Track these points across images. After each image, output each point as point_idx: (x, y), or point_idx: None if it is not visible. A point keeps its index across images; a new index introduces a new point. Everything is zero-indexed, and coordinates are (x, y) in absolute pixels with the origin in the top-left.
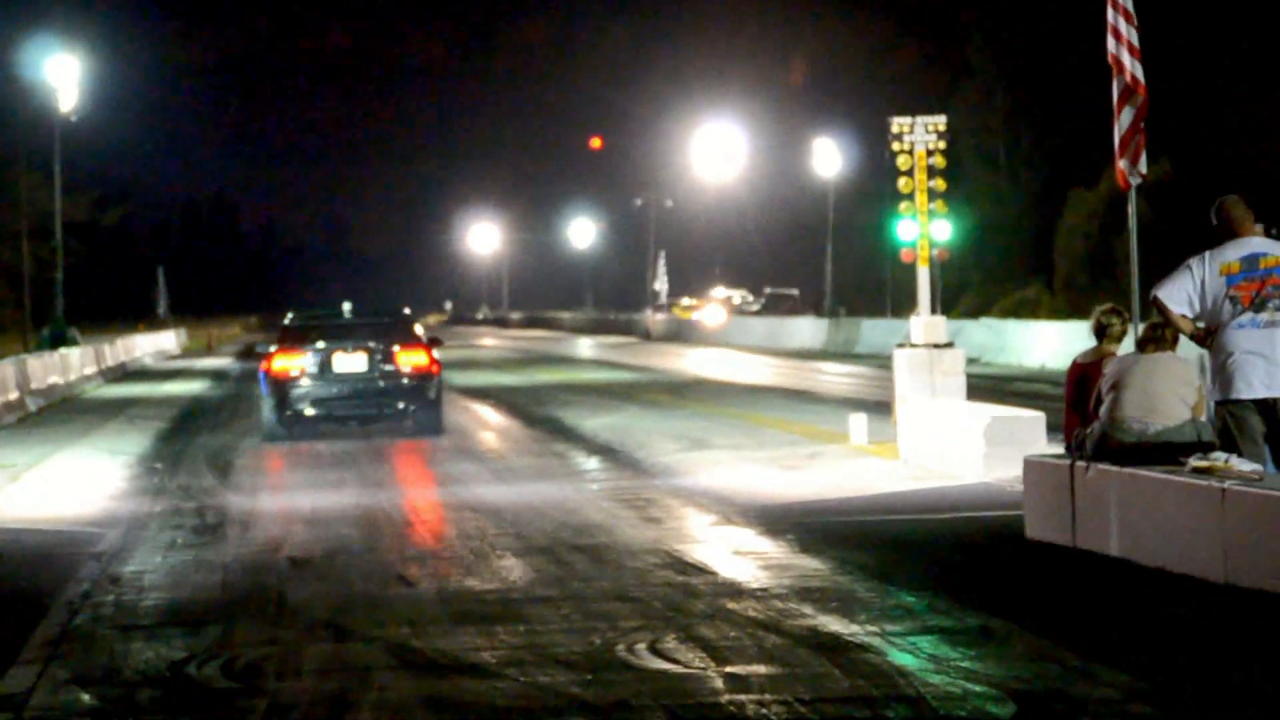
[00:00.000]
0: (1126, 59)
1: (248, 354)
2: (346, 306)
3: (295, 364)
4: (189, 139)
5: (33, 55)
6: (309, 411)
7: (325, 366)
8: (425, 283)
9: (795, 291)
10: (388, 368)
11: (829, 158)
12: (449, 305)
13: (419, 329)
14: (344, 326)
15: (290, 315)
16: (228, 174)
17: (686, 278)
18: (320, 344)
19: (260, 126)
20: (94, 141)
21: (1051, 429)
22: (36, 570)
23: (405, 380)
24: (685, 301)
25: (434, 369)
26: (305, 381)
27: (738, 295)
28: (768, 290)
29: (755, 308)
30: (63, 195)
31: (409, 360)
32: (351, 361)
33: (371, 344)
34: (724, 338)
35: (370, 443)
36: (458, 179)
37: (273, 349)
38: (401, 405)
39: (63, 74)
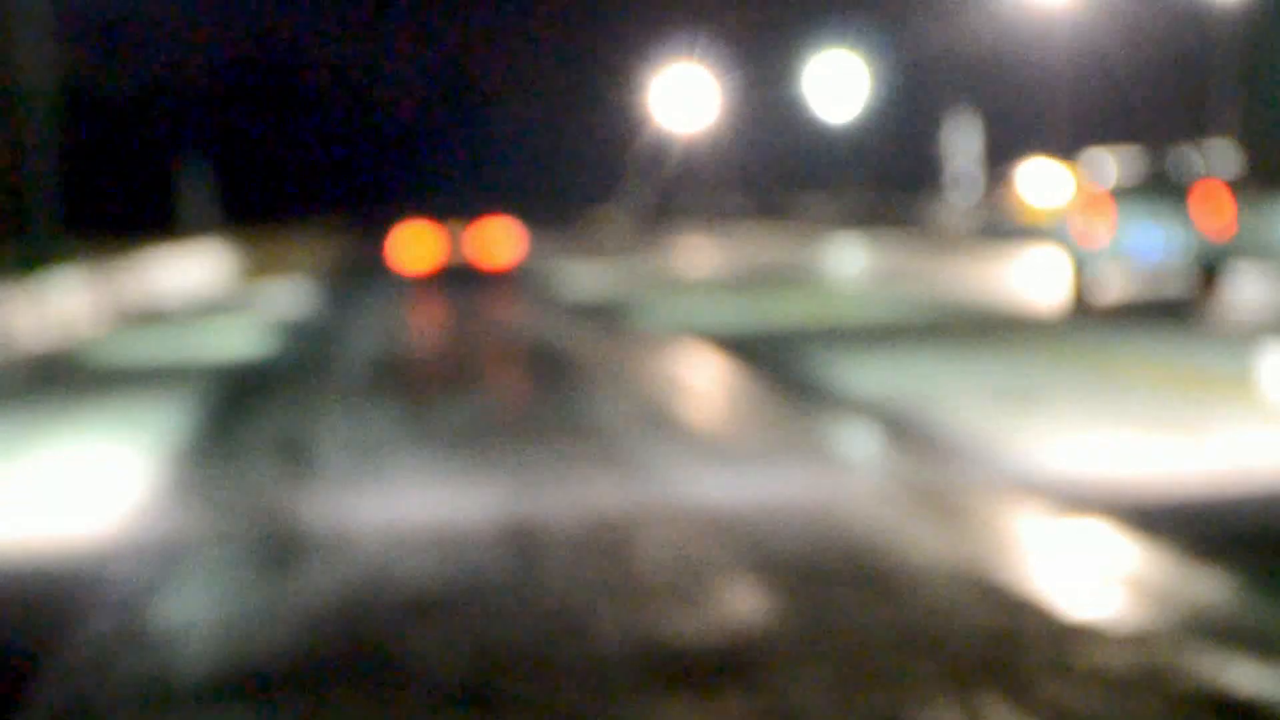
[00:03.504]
0: None
1: (333, 283)
2: (454, 200)
3: (424, 249)
4: None
5: None
6: (433, 282)
7: (451, 247)
8: (596, 161)
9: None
10: (482, 250)
11: None
12: (637, 198)
13: (509, 219)
14: (456, 211)
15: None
16: (289, 17)
17: (1003, 145)
18: (441, 222)
19: None
20: None
21: None
22: (20, 619)
23: (494, 267)
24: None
25: (515, 254)
26: (432, 263)
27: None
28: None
29: None
30: (49, 52)
31: (501, 239)
32: (466, 241)
33: (473, 228)
34: None
35: (524, 410)
36: (643, 5)
37: (393, 231)
38: (493, 279)
39: None
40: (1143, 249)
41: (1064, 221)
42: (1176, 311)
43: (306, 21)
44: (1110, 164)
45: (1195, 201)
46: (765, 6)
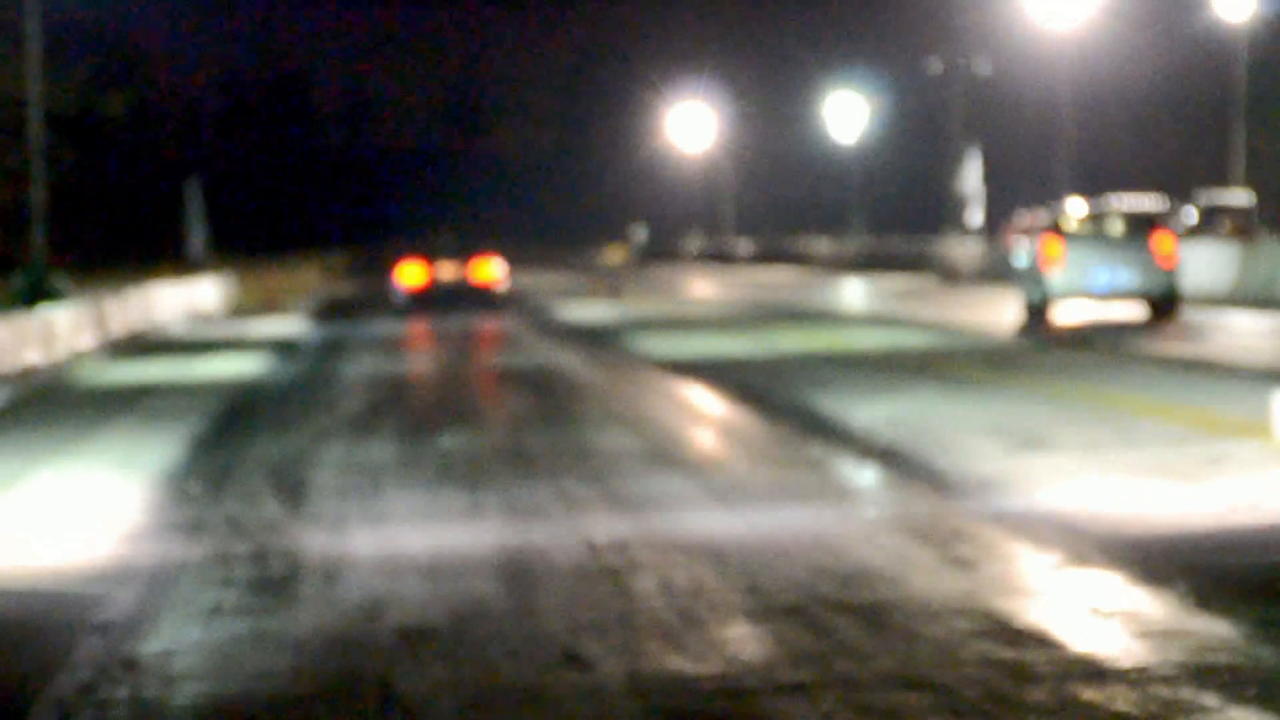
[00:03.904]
0: None
1: (333, 312)
2: (446, 237)
3: (416, 275)
4: None
5: None
6: (424, 303)
7: (436, 273)
8: (602, 201)
9: (1247, 202)
10: (470, 276)
11: None
12: (640, 233)
13: (492, 254)
14: (447, 248)
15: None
16: (294, 37)
17: (1014, 184)
18: (433, 258)
19: None
20: None
21: None
22: (7, 651)
23: (480, 287)
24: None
25: (499, 281)
26: (423, 286)
27: (1148, 204)
28: (1203, 201)
29: (1179, 228)
30: (41, 71)
31: (484, 274)
32: (452, 272)
33: (462, 260)
34: None
35: (520, 441)
36: (647, 40)
37: (397, 262)
38: (479, 302)
39: None
40: (1090, 282)
41: (1023, 256)
42: (1115, 336)
43: (312, 37)
44: (1081, 207)
45: (1144, 241)
46: (777, 45)
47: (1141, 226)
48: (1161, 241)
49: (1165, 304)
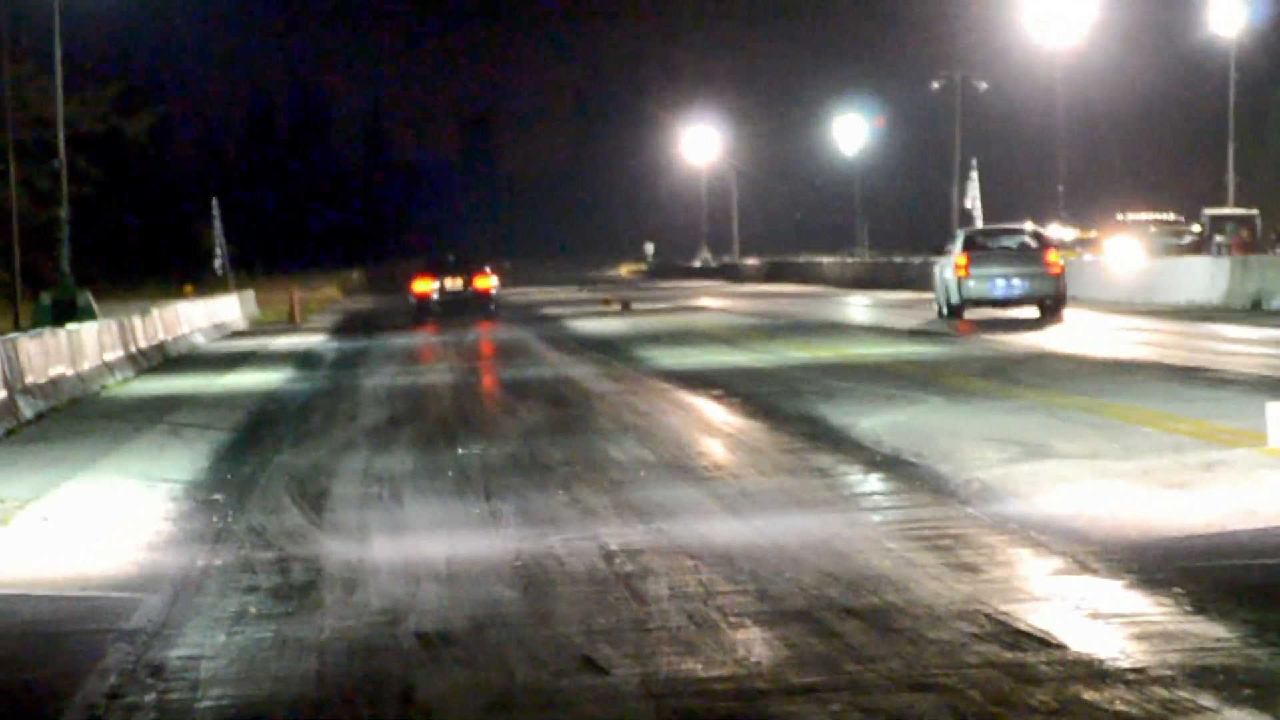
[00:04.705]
0: None
1: (352, 326)
2: (451, 257)
3: (427, 285)
4: (255, 7)
5: None
6: (434, 308)
7: (442, 285)
8: (612, 218)
9: (1253, 212)
10: (471, 287)
11: (1231, 7)
12: (650, 249)
13: (488, 269)
14: (452, 265)
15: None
16: (315, 58)
17: (1012, 199)
18: (440, 274)
19: None
20: (113, 10)
21: None
22: (39, 657)
23: (479, 294)
24: (1067, 235)
25: (494, 289)
26: (432, 294)
27: (1154, 220)
28: (1207, 213)
29: (1185, 240)
30: (67, 92)
31: (482, 283)
32: (455, 284)
33: (464, 275)
34: (1069, 289)
35: (535, 451)
36: (655, 63)
37: (413, 277)
38: (477, 306)
39: None
40: (991, 288)
41: (940, 263)
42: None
43: (331, 58)
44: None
45: (1038, 255)
46: (783, 66)
47: (1034, 243)
48: (1050, 255)
49: (1052, 306)
